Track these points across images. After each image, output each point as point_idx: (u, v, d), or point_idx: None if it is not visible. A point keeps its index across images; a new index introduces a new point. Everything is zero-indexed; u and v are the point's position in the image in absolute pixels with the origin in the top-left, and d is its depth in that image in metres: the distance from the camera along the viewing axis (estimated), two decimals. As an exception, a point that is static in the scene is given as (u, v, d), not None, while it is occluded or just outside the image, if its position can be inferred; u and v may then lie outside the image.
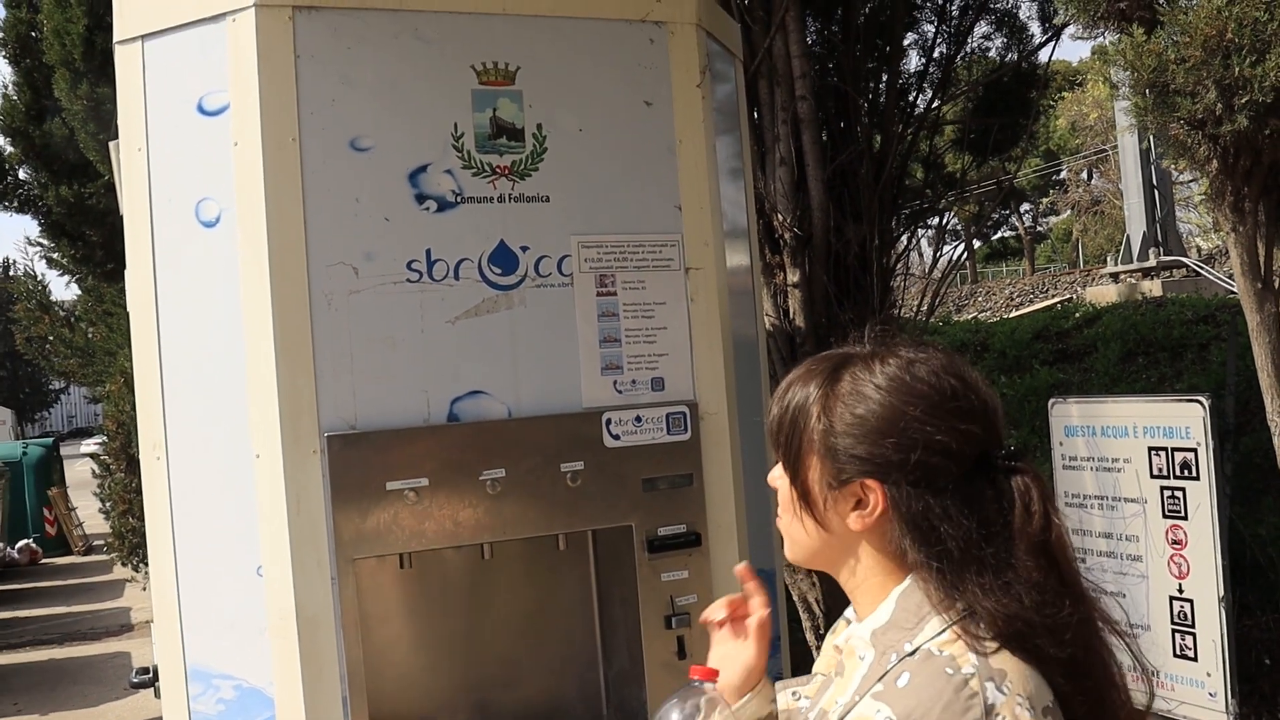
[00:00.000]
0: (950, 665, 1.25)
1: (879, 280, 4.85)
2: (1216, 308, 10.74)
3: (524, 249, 2.66)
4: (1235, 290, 12.07)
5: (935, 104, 5.21)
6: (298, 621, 2.45)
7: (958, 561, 1.30)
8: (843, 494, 1.35)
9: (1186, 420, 2.80)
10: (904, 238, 5.17)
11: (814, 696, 1.48)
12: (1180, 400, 2.89)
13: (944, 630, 1.30)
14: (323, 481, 2.47)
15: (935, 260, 5.44)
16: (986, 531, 1.30)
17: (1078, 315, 11.90)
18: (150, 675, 2.87)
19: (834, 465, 1.35)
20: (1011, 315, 14.78)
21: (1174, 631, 2.96)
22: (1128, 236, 15.01)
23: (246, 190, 2.46)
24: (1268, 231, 3.38)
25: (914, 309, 5.11)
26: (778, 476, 1.43)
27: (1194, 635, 2.85)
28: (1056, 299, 16.00)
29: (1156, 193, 14.84)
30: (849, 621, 1.47)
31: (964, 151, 5.05)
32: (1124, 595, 3.01)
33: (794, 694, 1.57)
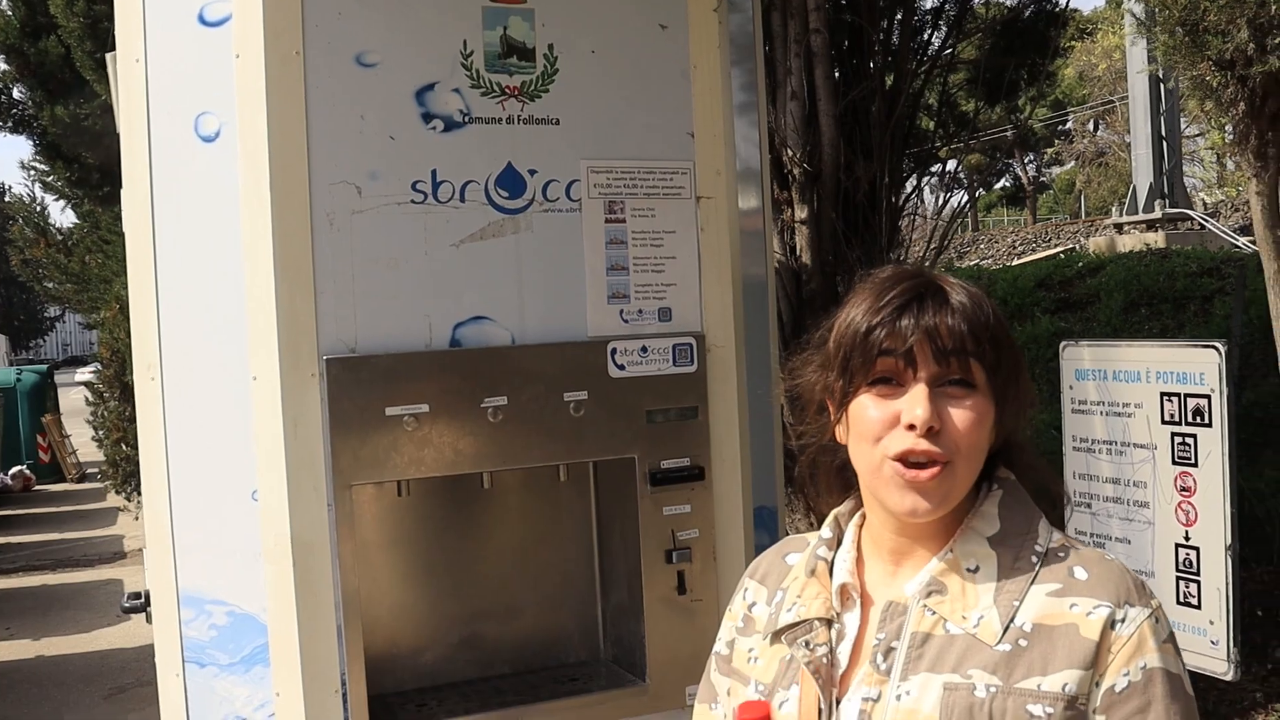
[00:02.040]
0: (1101, 554, 1.34)
1: (887, 219, 4.78)
2: (1221, 260, 10.68)
3: (532, 172, 2.59)
4: (1239, 244, 11.95)
5: (950, 42, 5.11)
6: (293, 547, 2.41)
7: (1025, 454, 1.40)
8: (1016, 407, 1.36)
9: (1201, 366, 2.75)
10: (913, 178, 5.08)
11: (828, 641, 1.39)
12: (1195, 346, 2.84)
13: (1054, 531, 1.37)
14: (321, 406, 2.42)
15: (944, 202, 5.35)
16: None
17: (1081, 265, 11.83)
18: (142, 601, 2.83)
19: (1027, 377, 1.36)
20: (1014, 264, 14.69)
21: (1178, 579, 2.93)
22: (1134, 187, 14.89)
23: (248, 104, 2.38)
24: (1289, 178, 3.31)
25: (920, 252, 5.04)
26: (970, 410, 1.32)
27: (1198, 583, 2.83)
28: (1059, 249, 15.89)
29: (1165, 144, 14.71)
30: (826, 562, 1.44)
31: (979, 91, 4.95)
32: (1129, 541, 2.97)
33: (808, 645, 1.41)
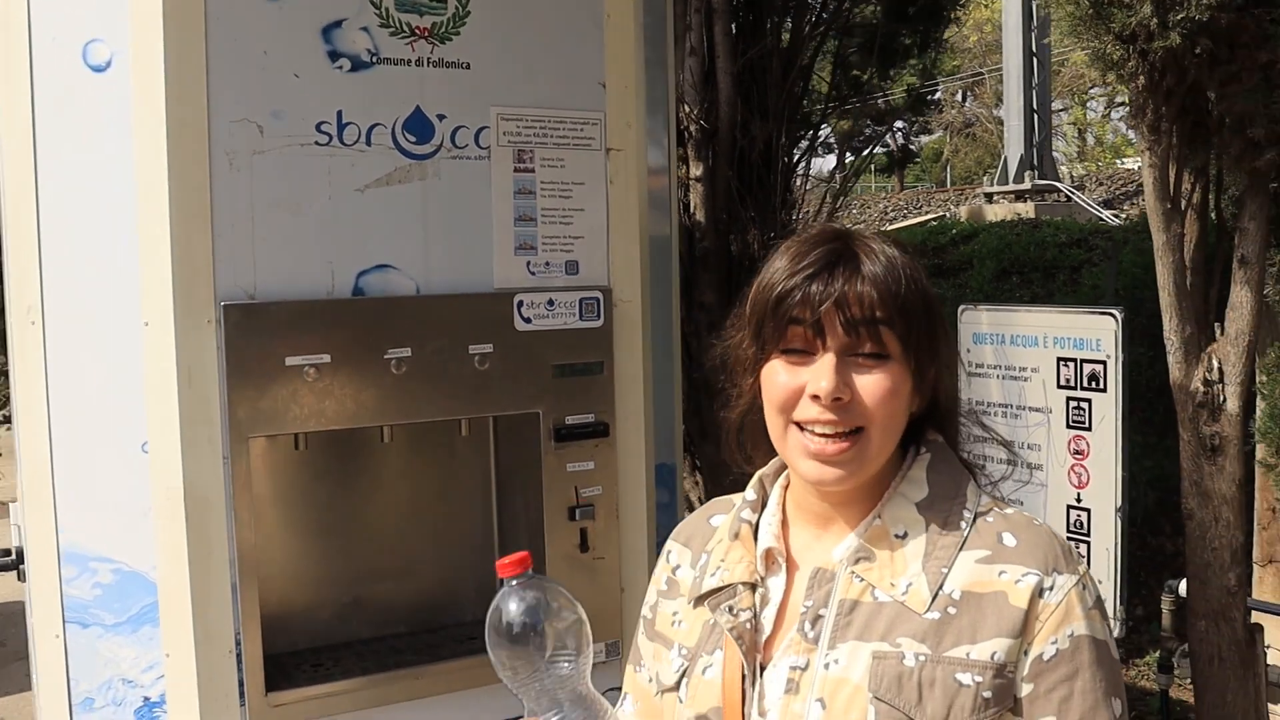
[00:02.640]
0: (1028, 518, 1.33)
1: (781, 180, 4.79)
2: (1089, 232, 11.00)
3: (441, 117, 2.51)
4: (1104, 216, 12.35)
5: (845, 5, 5.12)
6: (186, 502, 2.31)
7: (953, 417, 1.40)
8: (935, 372, 1.35)
9: (1098, 333, 2.82)
10: (806, 140, 5.10)
11: (753, 606, 1.37)
12: (1093, 313, 2.91)
13: (981, 494, 1.36)
14: (218, 354, 2.32)
15: (840, 162, 5.38)
16: None
17: (954, 232, 12.08)
18: (14, 558, 2.69)
19: (942, 338, 1.35)
20: (888, 229, 14.96)
21: (1070, 540, 3.01)
22: (1005, 158, 15.28)
23: (143, 33, 2.25)
24: (1179, 153, 3.40)
25: (812, 213, 5.07)
26: (884, 377, 1.29)
27: (1089, 544, 2.91)
28: (929, 216, 16.22)
29: (1036, 117, 15.10)
30: (750, 525, 1.43)
31: (874, 57, 4.99)
32: (1022, 503, 3.04)
33: (731, 610, 1.38)
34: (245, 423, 2.34)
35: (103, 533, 2.42)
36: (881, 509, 1.35)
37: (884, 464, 1.35)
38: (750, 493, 1.49)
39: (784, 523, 1.44)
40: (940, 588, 1.28)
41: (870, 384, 1.29)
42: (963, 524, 1.31)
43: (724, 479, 4.73)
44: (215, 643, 2.36)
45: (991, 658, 1.24)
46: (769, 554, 1.40)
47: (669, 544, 1.56)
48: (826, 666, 1.29)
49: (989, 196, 15.65)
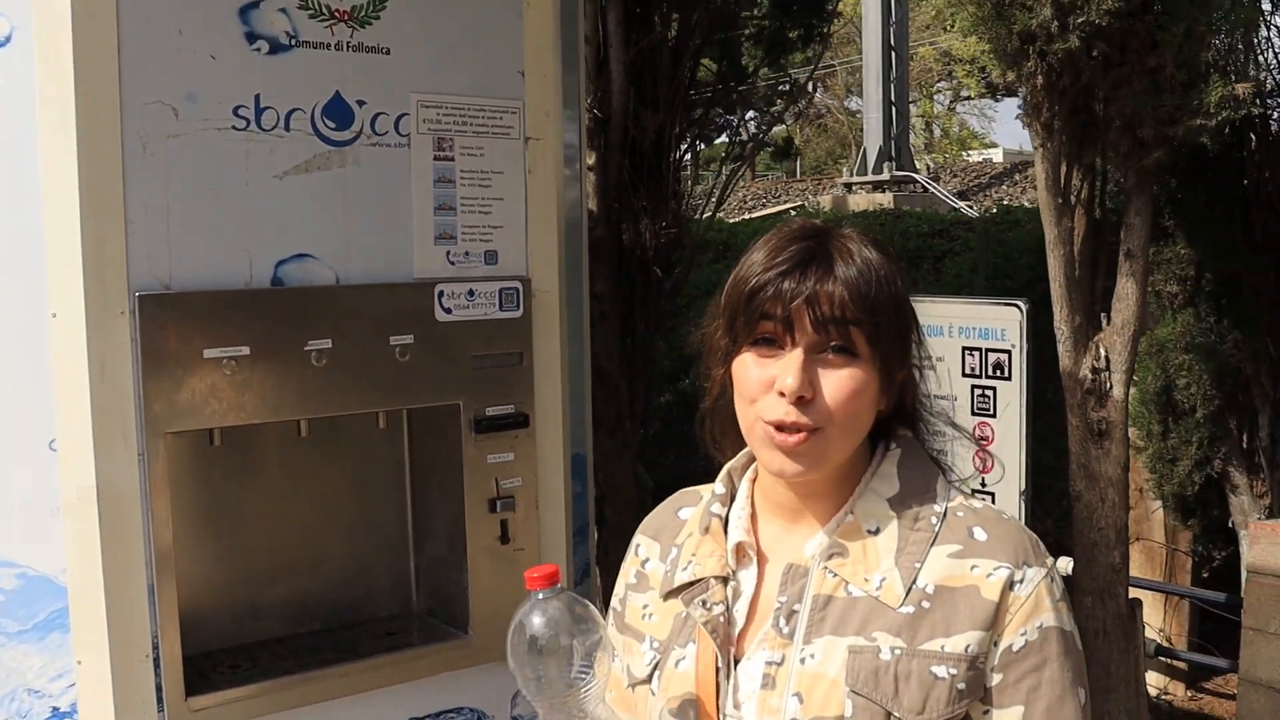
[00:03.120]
0: (997, 512, 1.36)
1: (671, 170, 4.82)
2: (950, 223, 11.31)
3: (360, 103, 2.45)
4: (959, 207, 12.72)
5: (731, -4, 5.16)
6: (99, 501, 2.21)
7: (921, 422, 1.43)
8: (905, 373, 1.38)
9: (1003, 323, 2.91)
10: (693, 131, 5.14)
11: (725, 600, 1.38)
12: (998, 304, 3.00)
13: (951, 489, 1.38)
14: (132, 346, 2.22)
15: (731, 154, 5.44)
16: None
17: (819, 222, 12.30)
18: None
19: (914, 340, 1.37)
20: (747, 218, 15.17)
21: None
22: (864, 150, 15.63)
23: (48, 8, 2.14)
24: (1070, 150, 3.53)
25: (701, 204, 5.11)
26: (852, 375, 1.30)
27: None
28: (788, 205, 16.50)
29: (894, 110, 15.48)
30: (720, 519, 1.44)
31: (760, 48, 5.05)
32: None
33: (704, 604, 1.39)
34: (161, 418, 2.26)
35: (5, 536, 2.30)
36: (853, 504, 1.37)
37: (851, 459, 1.37)
38: (719, 486, 1.50)
39: (753, 516, 1.45)
40: (914, 582, 1.31)
41: (835, 382, 1.30)
42: (933, 519, 1.34)
43: (614, 467, 4.73)
44: (131, 647, 2.27)
45: (965, 650, 1.27)
46: (740, 548, 1.42)
47: (636, 538, 1.57)
48: (803, 661, 1.31)
49: (848, 187, 15.98)
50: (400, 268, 2.53)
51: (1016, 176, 17.13)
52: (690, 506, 1.53)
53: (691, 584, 1.42)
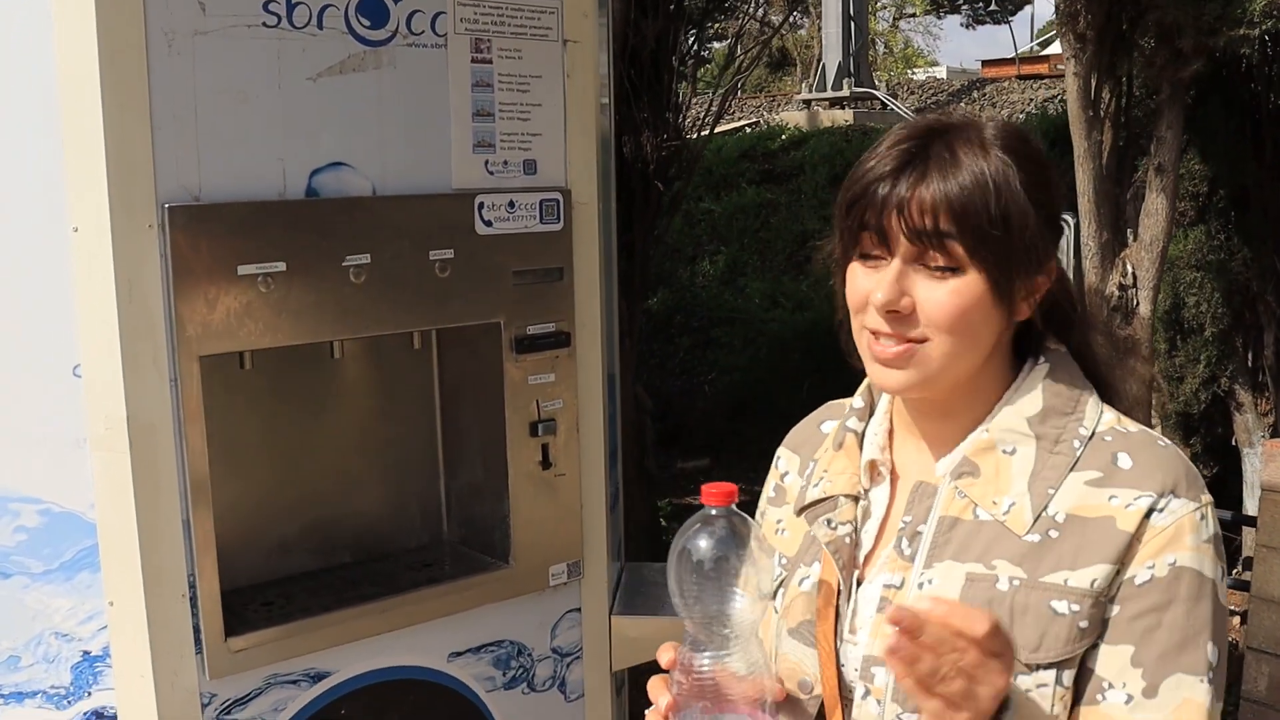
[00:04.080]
0: (1153, 439, 1.24)
1: (671, 81, 4.64)
2: (917, 138, 11.23)
3: (396, 0, 2.26)
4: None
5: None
6: (129, 430, 2.05)
7: (1085, 328, 1.31)
8: (1038, 279, 1.25)
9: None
10: (691, 39, 4.95)
11: (854, 520, 1.31)
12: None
13: (1104, 411, 1.27)
14: (162, 263, 2.05)
15: (729, 63, 5.26)
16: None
17: (784, 137, 12.15)
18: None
19: (1045, 249, 1.23)
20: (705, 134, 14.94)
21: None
22: (824, 65, 15.41)
23: (63, -111, 1.93)
24: (1102, 62, 3.41)
25: (700, 115, 4.94)
26: (949, 298, 1.20)
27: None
28: (743, 121, 16.27)
29: (853, 24, 15.25)
30: (856, 435, 1.36)
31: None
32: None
33: (829, 523, 1.33)
34: (194, 340, 2.09)
35: (26, 470, 2.13)
36: (990, 422, 1.27)
37: (989, 374, 1.28)
38: (858, 400, 1.43)
39: (890, 432, 1.37)
40: (1045, 509, 1.21)
41: (935, 296, 1.21)
42: (1076, 443, 1.23)
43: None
44: (167, 585, 2.12)
45: (1091, 585, 1.17)
46: (872, 465, 1.35)
47: (780, 450, 1.51)
48: (920, 586, 1.23)
49: (806, 103, 15.79)
50: (438, 178, 2.37)
51: (974, 94, 17.01)
52: (833, 419, 1.46)
53: (821, 501, 1.36)
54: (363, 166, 2.26)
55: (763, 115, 17.40)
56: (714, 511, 1.20)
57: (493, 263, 2.43)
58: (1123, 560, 1.17)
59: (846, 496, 1.34)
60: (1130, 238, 3.54)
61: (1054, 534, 1.19)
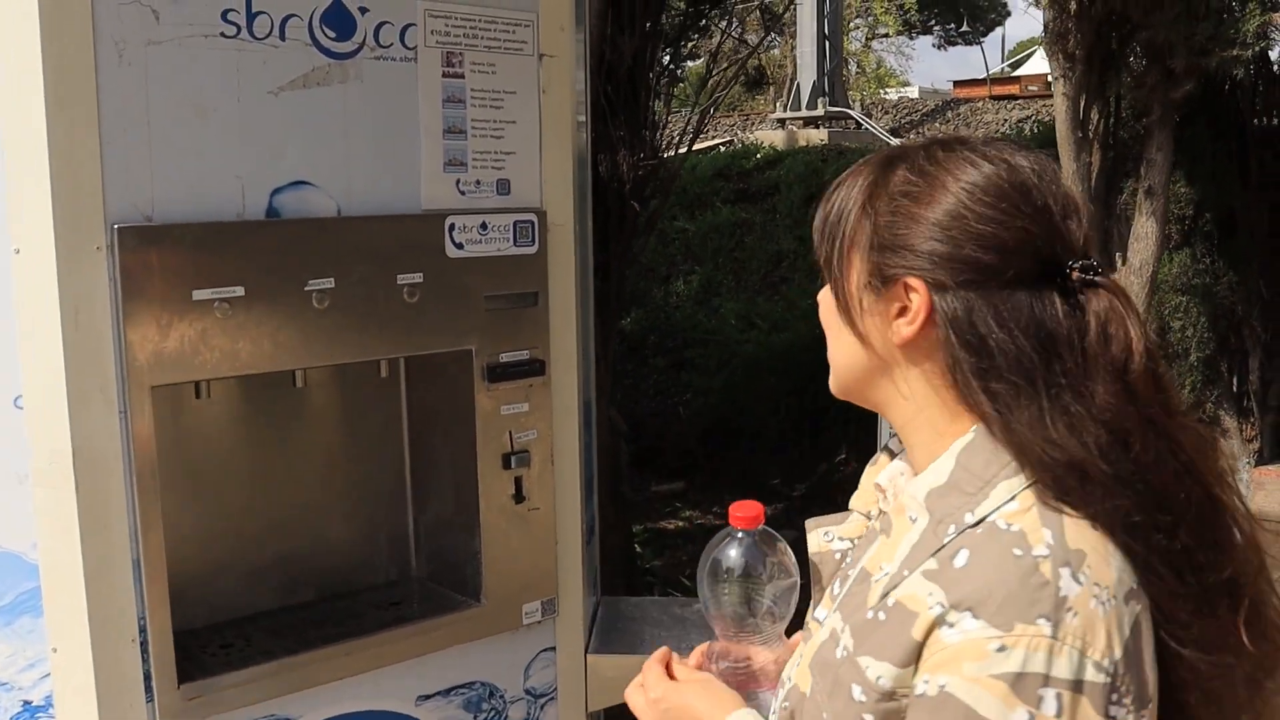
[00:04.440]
0: (1019, 545, 1.06)
1: (648, 98, 4.54)
2: (892, 159, 11.20)
3: (363, 10, 2.15)
4: (893, 143, 12.75)
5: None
6: (74, 465, 1.92)
7: (1012, 385, 1.11)
8: (885, 296, 1.17)
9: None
10: (669, 56, 4.86)
11: (857, 542, 1.30)
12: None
13: (1012, 498, 1.10)
14: (110, 287, 1.92)
15: (706, 81, 5.16)
16: (1049, 353, 1.10)
17: (759, 156, 12.09)
18: None
19: (876, 259, 1.17)
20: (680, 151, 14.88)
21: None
22: (798, 84, 15.38)
23: (6, -112, 1.81)
24: (1091, 82, 3.35)
25: (677, 133, 4.85)
26: (823, 293, 1.27)
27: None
28: (717, 140, 16.24)
29: (828, 44, 15.24)
30: (892, 454, 1.32)
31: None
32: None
33: (826, 534, 1.34)
34: (145, 369, 1.96)
35: (-37, 506, 2.00)
36: (912, 482, 1.20)
37: (937, 424, 1.19)
38: None
39: None
40: (892, 590, 1.13)
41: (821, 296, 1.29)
42: (953, 527, 1.11)
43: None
44: (115, 629, 1.99)
45: (876, 680, 1.10)
46: (879, 488, 1.31)
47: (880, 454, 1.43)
48: (821, 625, 1.24)
49: (781, 122, 15.76)
50: (407, 198, 2.26)
51: (948, 114, 17.05)
52: None
53: (842, 513, 1.37)
54: (327, 185, 2.15)
55: (736, 134, 17.38)
56: (740, 534, 1.29)
57: (464, 287, 2.32)
58: (915, 665, 1.08)
59: (861, 513, 1.32)
60: (1119, 261, 3.46)
61: (881, 616, 1.12)
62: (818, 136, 14.21)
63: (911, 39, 33.73)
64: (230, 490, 2.37)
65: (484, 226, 2.34)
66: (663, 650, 1.41)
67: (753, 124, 17.91)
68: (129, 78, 1.91)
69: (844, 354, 1.24)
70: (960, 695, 1.03)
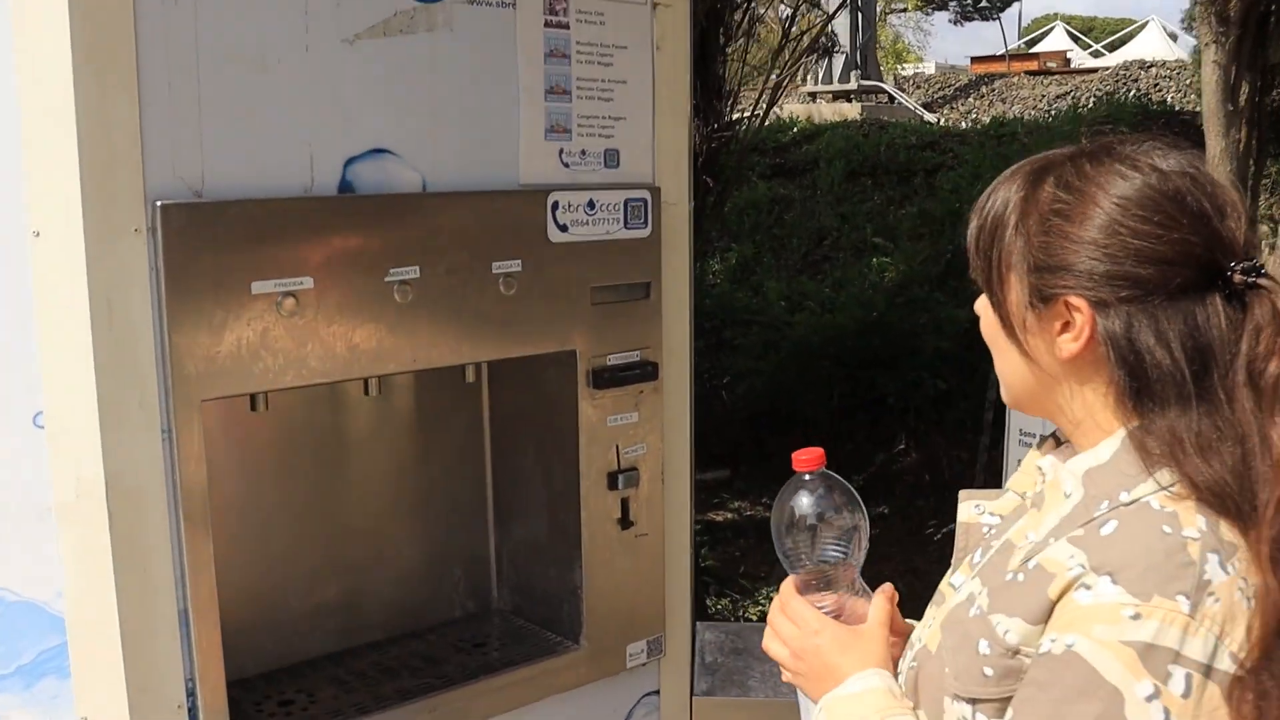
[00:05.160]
0: (1170, 523, 1.05)
1: (720, 63, 4.16)
2: (939, 135, 10.78)
3: (454, -59, 1.77)
4: (928, 119, 12.16)
5: None
6: (108, 497, 1.56)
7: (1163, 399, 1.11)
8: (1047, 315, 1.15)
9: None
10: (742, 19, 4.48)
11: (1006, 517, 1.27)
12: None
13: (1174, 484, 1.08)
14: (151, 277, 1.55)
15: (782, 44, 4.77)
16: (1204, 365, 1.10)
17: (795, 130, 11.67)
18: None
19: (1035, 280, 1.15)
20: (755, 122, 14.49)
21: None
22: (830, 58, 14.92)
23: None
24: (1245, 49, 2.95)
25: (749, 107, 4.46)
26: (981, 304, 1.24)
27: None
28: (746, 112, 15.76)
29: (860, 16, 14.79)
30: (1059, 442, 1.28)
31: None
32: None
33: (977, 506, 1.32)
34: (195, 379, 1.60)
35: (-27, 544, 1.64)
36: (1072, 459, 1.18)
37: (1099, 419, 1.16)
38: None
39: None
40: (1036, 555, 1.11)
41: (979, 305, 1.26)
42: (1106, 503, 1.10)
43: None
44: (158, 695, 1.63)
45: (1004, 635, 1.09)
46: (1038, 470, 1.26)
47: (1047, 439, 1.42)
48: (956, 589, 1.23)
49: (812, 96, 15.33)
50: (504, 170, 1.88)
51: (983, 89, 16.58)
52: None
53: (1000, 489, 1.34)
54: (410, 155, 1.78)
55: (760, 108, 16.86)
56: (806, 476, 1.27)
57: (568, 277, 1.95)
58: (1044, 624, 1.07)
59: (1017, 493, 1.28)
60: (1265, 250, 3.06)
61: (1020, 578, 1.11)
62: (850, 110, 13.78)
63: (928, 15, 33.18)
64: (286, 517, 2.01)
65: (591, 205, 1.96)
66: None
67: (781, 97, 17.39)
68: (175, 23, 1.54)
69: (1012, 370, 1.22)
70: (1086, 656, 1.02)
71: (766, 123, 13.48)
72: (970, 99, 16.81)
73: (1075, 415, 1.19)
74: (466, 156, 1.84)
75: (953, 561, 1.29)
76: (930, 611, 1.26)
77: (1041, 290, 1.14)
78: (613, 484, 2.06)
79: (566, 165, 1.96)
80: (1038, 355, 1.18)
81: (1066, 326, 1.14)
